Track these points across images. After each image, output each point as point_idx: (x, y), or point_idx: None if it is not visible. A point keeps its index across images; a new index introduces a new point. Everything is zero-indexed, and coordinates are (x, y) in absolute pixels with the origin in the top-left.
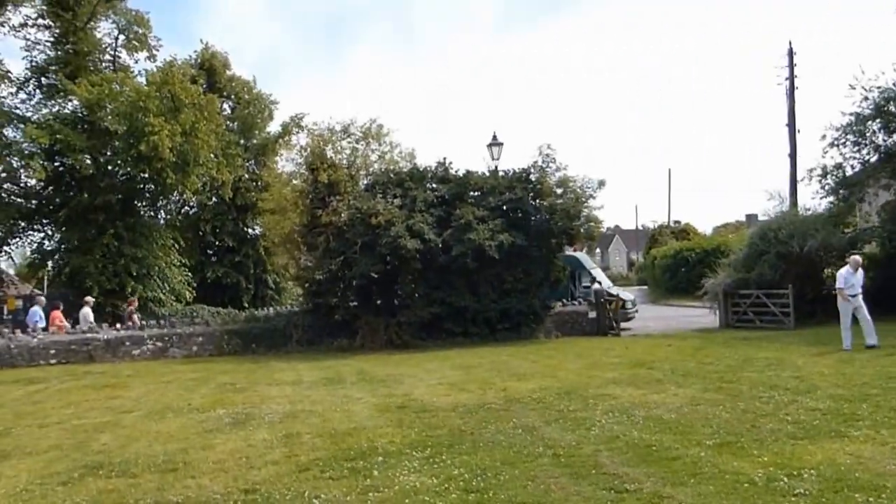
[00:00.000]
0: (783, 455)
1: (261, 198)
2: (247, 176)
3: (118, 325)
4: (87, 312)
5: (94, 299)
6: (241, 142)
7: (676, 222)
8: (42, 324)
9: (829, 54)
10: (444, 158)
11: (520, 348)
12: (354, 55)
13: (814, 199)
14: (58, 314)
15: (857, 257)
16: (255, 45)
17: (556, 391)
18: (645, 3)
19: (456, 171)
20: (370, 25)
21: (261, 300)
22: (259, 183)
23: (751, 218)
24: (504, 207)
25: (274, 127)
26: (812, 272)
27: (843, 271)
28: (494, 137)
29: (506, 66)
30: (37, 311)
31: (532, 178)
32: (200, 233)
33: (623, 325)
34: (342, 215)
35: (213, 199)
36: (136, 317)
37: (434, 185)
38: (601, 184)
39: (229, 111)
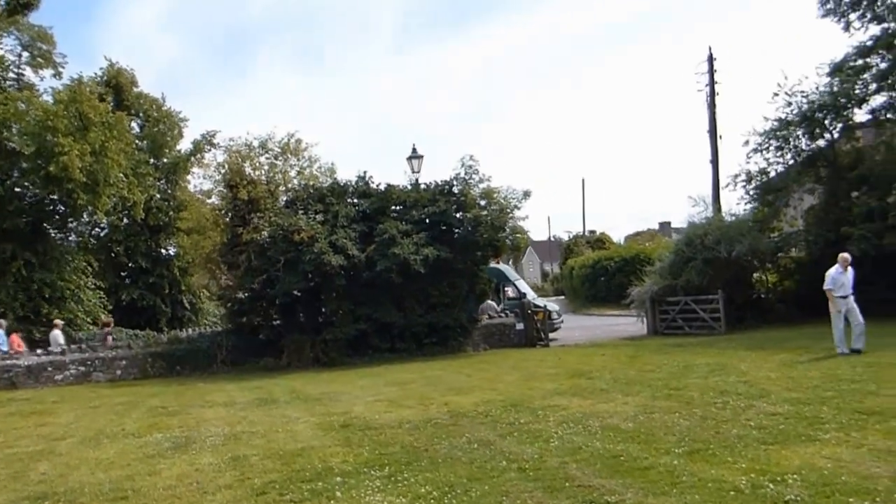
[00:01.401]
0: (759, 461)
1: (177, 217)
2: (158, 196)
3: (103, 343)
4: (57, 335)
5: (63, 321)
6: (152, 161)
7: (591, 232)
8: (4, 346)
9: (750, 59)
10: (365, 172)
11: (450, 362)
12: (257, 70)
13: (738, 205)
14: (16, 338)
15: (847, 255)
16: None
17: (501, 404)
18: (558, 7)
19: (377, 186)
20: (272, 39)
21: (178, 321)
22: (171, 203)
23: (664, 226)
24: (427, 221)
25: (185, 145)
26: (741, 277)
27: (831, 271)
28: (414, 150)
29: (415, 79)
30: (0, 333)
31: (455, 190)
32: (113, 255)
33: (549, 335)
34: (263, 232)
35: (125, 220)
36: (110, 338)
37: (355, 200)
38: (526, 194)
39: (138, 129)
